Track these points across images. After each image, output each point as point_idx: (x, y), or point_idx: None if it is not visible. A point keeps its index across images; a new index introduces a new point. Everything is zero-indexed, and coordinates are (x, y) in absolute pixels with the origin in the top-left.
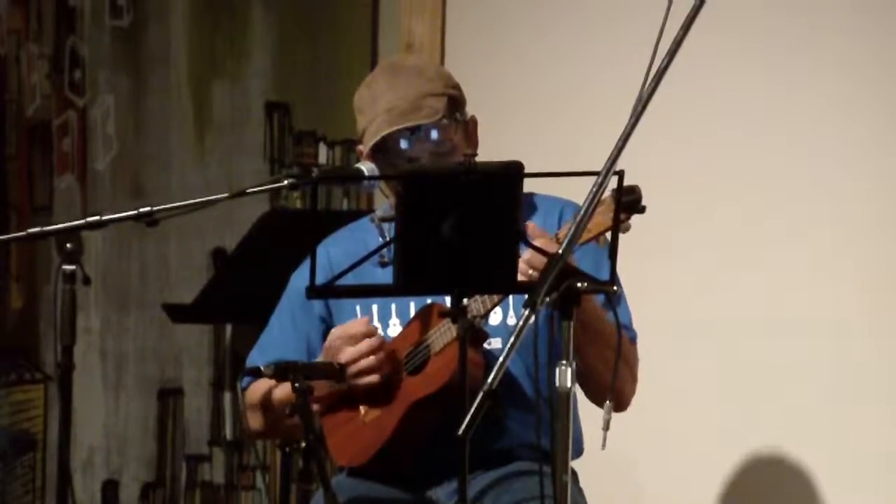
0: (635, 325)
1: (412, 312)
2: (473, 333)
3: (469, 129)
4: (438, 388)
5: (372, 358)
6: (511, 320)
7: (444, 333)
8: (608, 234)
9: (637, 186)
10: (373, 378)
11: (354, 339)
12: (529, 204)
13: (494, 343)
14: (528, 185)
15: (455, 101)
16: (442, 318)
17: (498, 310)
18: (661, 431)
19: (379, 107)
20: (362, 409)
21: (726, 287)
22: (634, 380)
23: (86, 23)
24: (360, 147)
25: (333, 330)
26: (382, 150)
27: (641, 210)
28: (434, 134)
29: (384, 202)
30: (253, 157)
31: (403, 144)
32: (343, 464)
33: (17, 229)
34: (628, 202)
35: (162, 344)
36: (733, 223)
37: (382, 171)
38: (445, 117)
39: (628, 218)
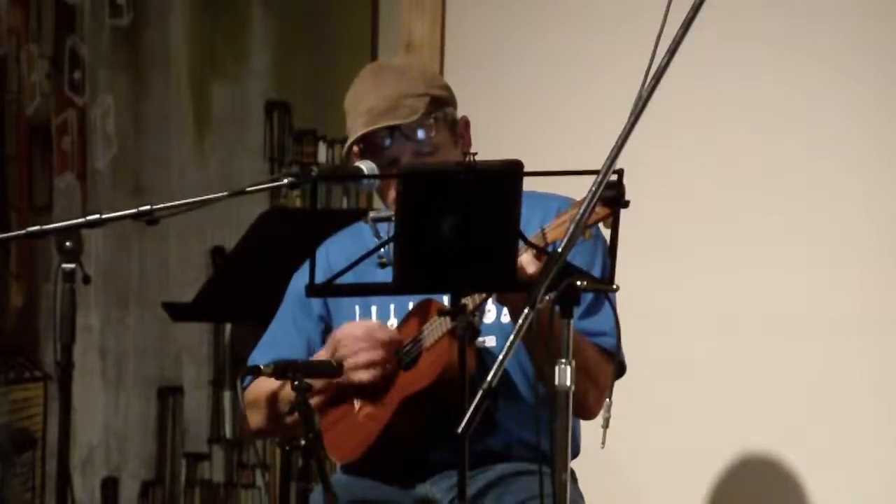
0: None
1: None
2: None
3: (459, 129)
4: (430, 382)
5: (370, 353)
6: (505, 318)
7: (435, 328)
8: (594, 228)
9: (621, 169)
10: (366, 375)
11: (359, 336)
12: (526, 201)
13: (489, 341)
14: (528, 185)
15: (438, 101)
16: (441, 316)
17: (492, 308)
18: (661, 429)
19: (361, 108)
20: (356, 404)
21: (725, 284)
22: (600, 390)
23: (85, 22)
24: (355, 147)
25: (346, 325)
26: (367, 151)
27: (625, 205)
28: (415, 134)
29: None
30: (253, 156)
31: (386, 144)
32: (338, 460)
33: (17, 228)
34: (612, 197)
35: (162, 342)
36: (732, 221)
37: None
38: (425, 117)
39: (610, 214)
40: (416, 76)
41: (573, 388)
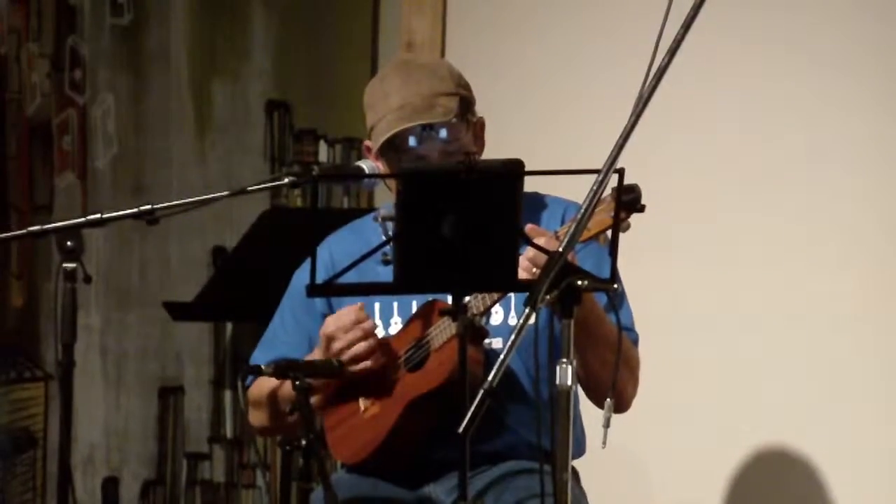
0: (638, 323)
1: (414, 311)
2: (473, 331)
3: (477, 130)
4: (438, 384)
5: (364, 344)
6: (512, 320)
7: (443, 330)
8: (609, 233)
9: (636, 185)
10: (367, 364)
11: (347, 327)
12: (538, 203)
13: (495, 343)
14: (531, 185)
15: (466, 102)
16: (442, 315)
17: (499, 309)
18: (662, 429)
19: (391, 103)
20: (362, 405)
21: (726, 284)
22: (635, 381)
23: (86, 21)
24: (368, 143)
25: (328, 319)
26: (391, 148)
27: (641, 209)
28: (445, 133)
29: (388, 201)
30: (253, 155)
31: (412, 143)
32: (342, 460)
33: (18, 228)
34: (628, 201)
35: (162, 342)
36: (732, 220)
37: (389, 169)
38: (457, 117)
39: (628, 216)
40: (446, 75)
41: (616, 380)
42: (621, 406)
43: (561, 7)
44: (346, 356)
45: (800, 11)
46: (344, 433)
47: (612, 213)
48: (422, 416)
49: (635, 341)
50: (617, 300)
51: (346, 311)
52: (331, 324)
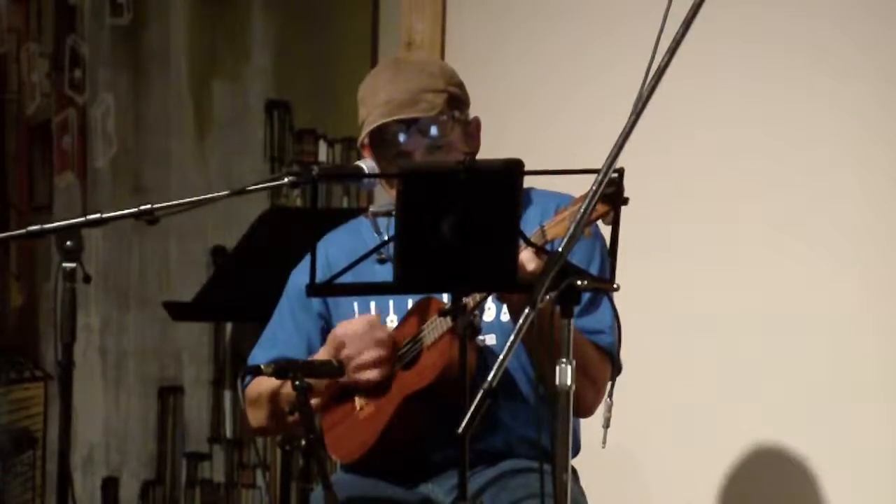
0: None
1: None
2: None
3: (470, 129)
4: (431, 381)
5: (374, 352)
6: (505, 317)
7: (436, 327)
8: (593, 226)
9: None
10: (374, 374)
11: (360, 335)
12: (526, 198)
13: (489, 339)
14: (529, 183)
15: (455, 100)
16: (442, 316)
17: (492, 306)
18: (662, 429)
19: (378, 98)
20: (358, 404)
21: (726, 283)
22: (596, 388)
23: (86, 21)
24: (362, 139)
25: (344, 323)
26: (379, 142)
27: (625, 202)
28: (430, 129)
29: (384, 198)
30: (253, 155)
31: (400, 138)
32: (340, 459)
33: (18, 227)
34: (612, 194)
35: (162, 342)
36: (732, 220)
37: (378, 164)
38: (443, 114)
39: (609, 210)
40: (436, 72)
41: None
42: (580, 412)
43: (561, 7)
44: (354, 363)
45: (800, 11)
46: (340, 432)
47: (598, 206)
48: (416, 414)
49: (607, 346)
50: (596, 301)
51: (361, 319)
52: (347, 330)
